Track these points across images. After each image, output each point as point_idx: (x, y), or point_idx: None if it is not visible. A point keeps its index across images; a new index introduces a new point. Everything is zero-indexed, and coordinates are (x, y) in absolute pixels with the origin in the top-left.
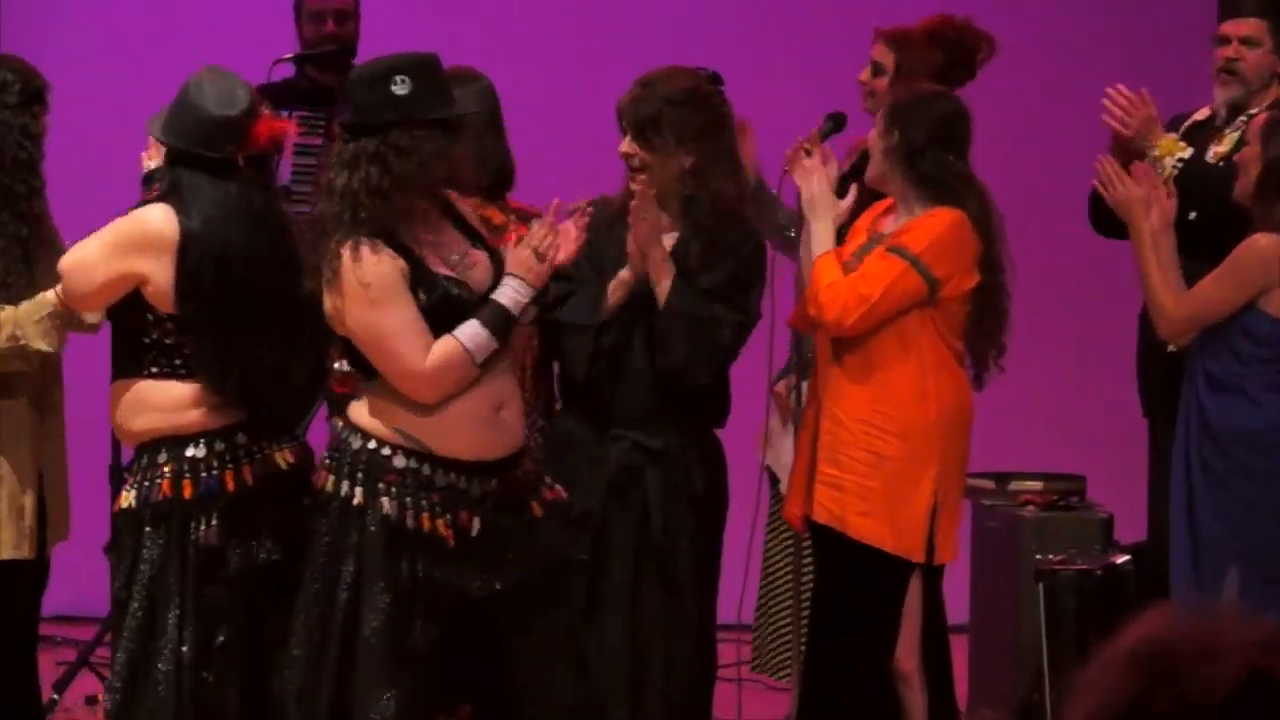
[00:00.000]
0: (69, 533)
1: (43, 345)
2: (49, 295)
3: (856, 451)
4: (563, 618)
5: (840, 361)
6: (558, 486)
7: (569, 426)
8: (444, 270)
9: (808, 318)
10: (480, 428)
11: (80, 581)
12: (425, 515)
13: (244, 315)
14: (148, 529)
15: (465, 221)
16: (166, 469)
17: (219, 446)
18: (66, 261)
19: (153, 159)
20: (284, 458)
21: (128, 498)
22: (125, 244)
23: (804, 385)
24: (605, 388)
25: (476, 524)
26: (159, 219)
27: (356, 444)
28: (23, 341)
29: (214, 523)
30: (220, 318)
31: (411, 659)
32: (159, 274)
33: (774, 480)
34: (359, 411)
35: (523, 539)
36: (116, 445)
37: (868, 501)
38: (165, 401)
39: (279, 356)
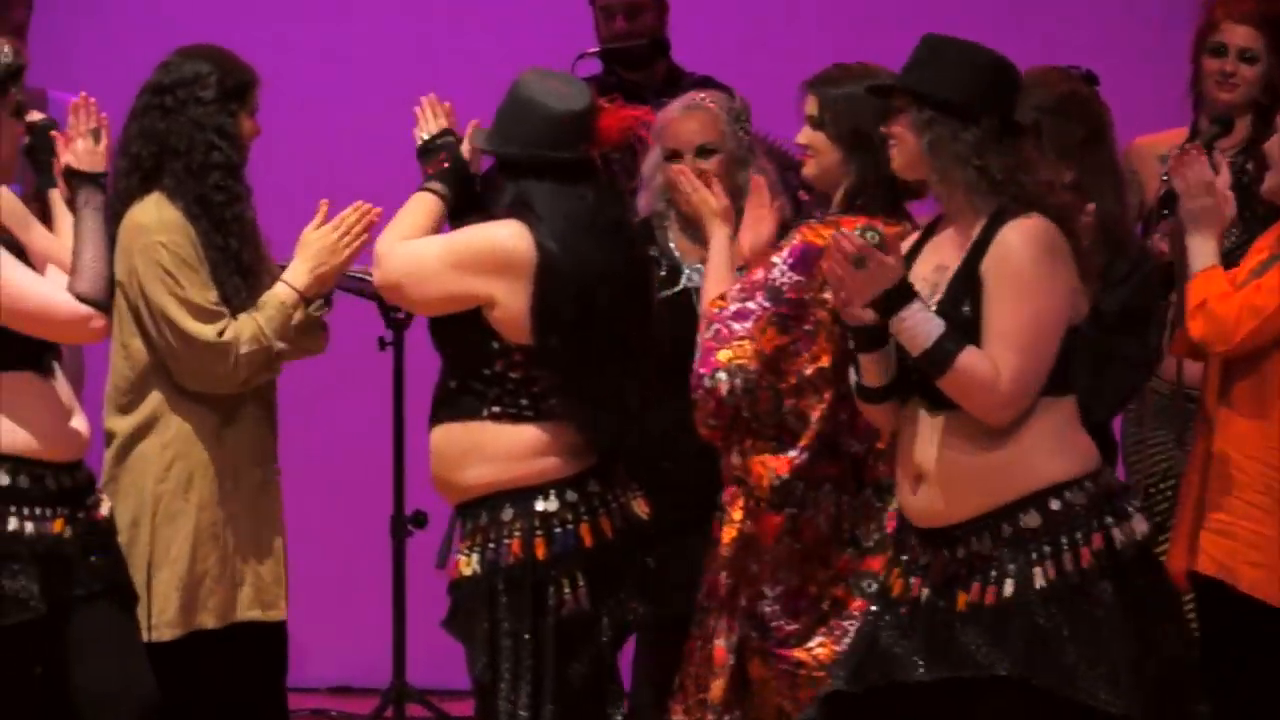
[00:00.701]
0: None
1: (280, 344)
2: (279, 290)
3: (1252, 494)
4: None
5: (1232, 393)
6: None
7: None
8: None
9: (1187, 339)
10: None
11: (359, 651)
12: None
13: (607, 344)
14: (503, 599)
15: None
16: (515, 527)
17: (570, 497)
18: (398, 266)
19: (426, 129)
20: (640, 507)
21: (468, 563)
22: (472, 261)
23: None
24: None
25: (924, 592)
26: (512, 237)
27: None
28: (266, 342)
29: (579, 584)
30: (584, 349)
31: None
32: (511, 300)
33: None
34: None
35: (943, 632)
36: (399, 493)
37: (1262, 551)
38: (509, 448)
39: (638, 390)
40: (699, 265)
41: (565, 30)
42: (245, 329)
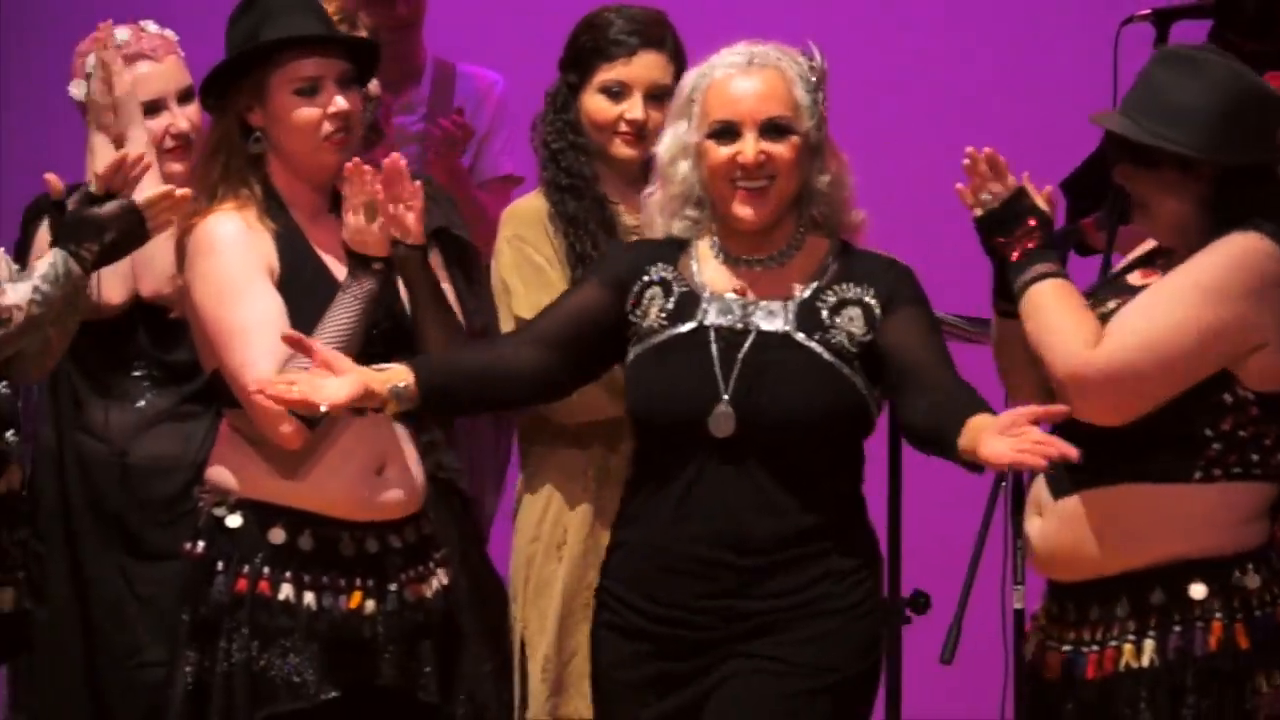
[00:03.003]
0: None
1: None
2: None
3: None
4: None
5: None
6: None
7: None
8: None
9: None
10: None
11: None
12: None
13: None
14: (1191, 698)
15: None
16: (1214, 607)
17: (1264, 572)
18: (1116, 351)
19: (990, 191)
20: None
21: (1135, 652)
22: (1240, 291)
23: None
24: None
25: None
26: (1271, 256)
27: None
28: None
29: (1277, 683)
30: None
31: None
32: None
33: None
34: None
35: None
36: (895, 572)
37: None
38: (1218, 514)
39: None
40: (734, 297)
41: None
42: None
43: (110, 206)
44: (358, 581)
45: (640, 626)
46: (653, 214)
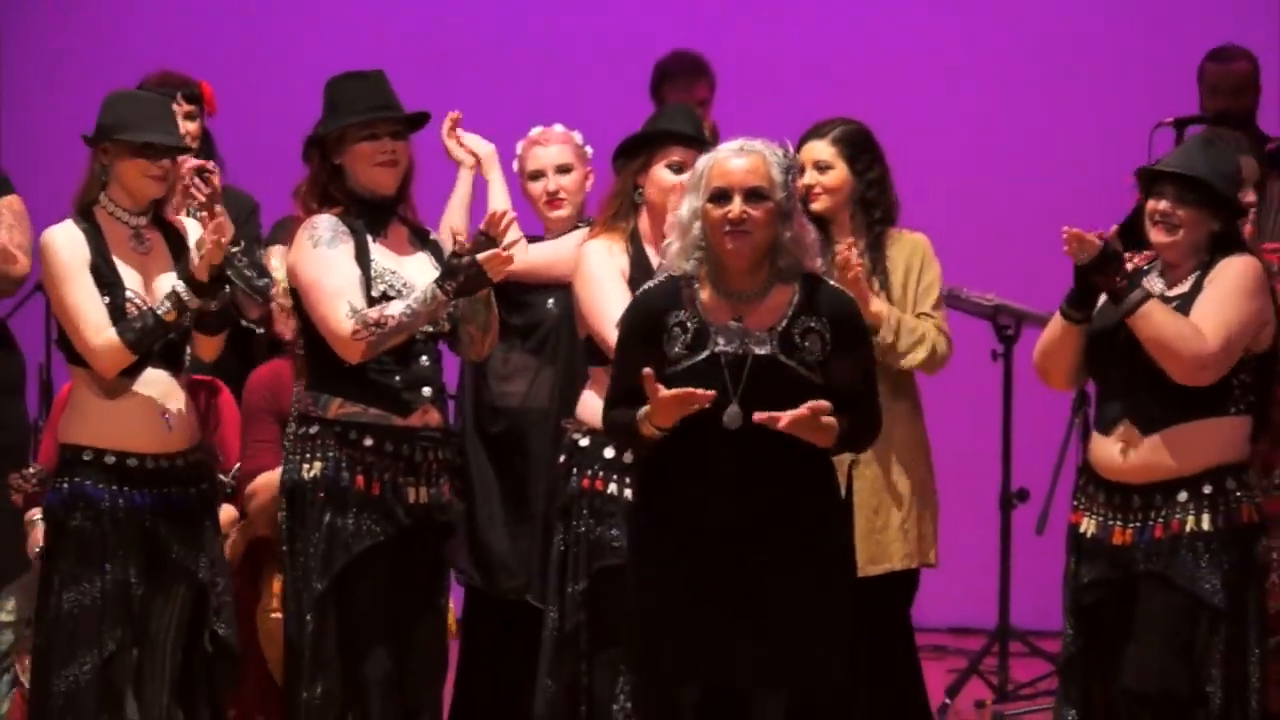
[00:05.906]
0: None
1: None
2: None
3: None
4: None
5: None
6: None
7: None
8: None
9: None
10: None
11: (967, 597)
12: None
13: None
14: (1233, 549)
15: None
16: (1240, 496)
17: (1250, 475)
18: None
19: None
20: None
21: (1193, 522)
22: (1261, 288)
23: None
24: None
25: None
26: None
27: None
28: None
29: None
30: None
31: None
32: None
33: None
34: None
35: None
36: (1006, 475)
37: None
38: (1242, 434)
39: None
40: (733, 324)
41: None
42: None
43: (465, 260)
44: None
45: (682, 572)
46: (674, 257)
